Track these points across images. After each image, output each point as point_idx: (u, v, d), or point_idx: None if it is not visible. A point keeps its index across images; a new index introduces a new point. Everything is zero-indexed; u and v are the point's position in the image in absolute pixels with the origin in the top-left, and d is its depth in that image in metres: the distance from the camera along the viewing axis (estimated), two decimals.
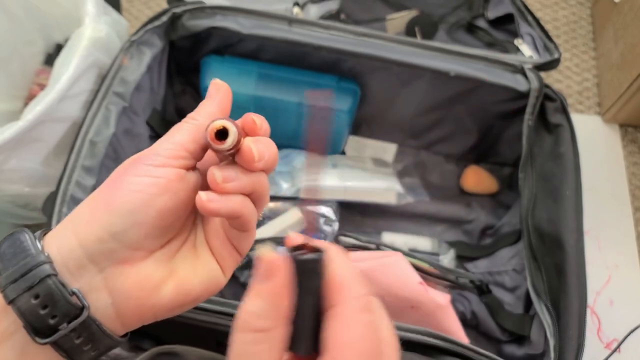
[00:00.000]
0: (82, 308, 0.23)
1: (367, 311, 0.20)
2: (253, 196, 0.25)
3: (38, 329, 0.22)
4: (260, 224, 0.66)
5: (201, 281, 0.26)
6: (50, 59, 0.74)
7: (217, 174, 0.24)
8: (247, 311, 0.20)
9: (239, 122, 0.25)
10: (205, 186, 0.25)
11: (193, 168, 0.26)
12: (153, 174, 0.24)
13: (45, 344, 0.22)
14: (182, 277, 0.25)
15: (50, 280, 0.22)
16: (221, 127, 0.23)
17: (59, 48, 0.75)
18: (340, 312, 0.20)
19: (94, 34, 0.56)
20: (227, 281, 0.27)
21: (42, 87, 0.72)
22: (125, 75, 0.56)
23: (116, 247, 0.23)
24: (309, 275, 0.21)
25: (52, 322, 0.22)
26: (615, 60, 0.79)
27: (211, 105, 0.26)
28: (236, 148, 0.24)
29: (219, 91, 0.27)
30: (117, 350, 0.54)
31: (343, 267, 0.21)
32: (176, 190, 0.24)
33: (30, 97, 0.73)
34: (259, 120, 0.25)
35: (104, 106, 0.54)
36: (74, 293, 0.23)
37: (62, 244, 0.23)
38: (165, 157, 0.24)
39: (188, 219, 0.27)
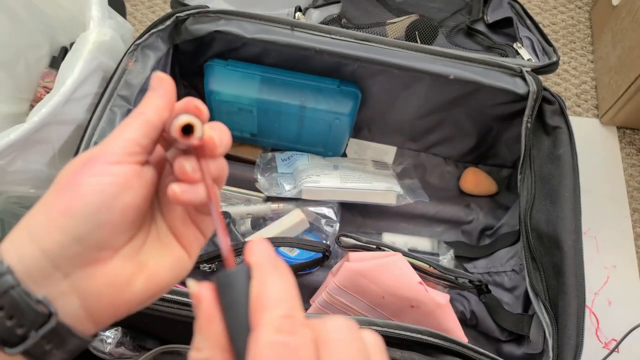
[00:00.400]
0: (50, 315, 0.22)
1: (281, 333, 0.18)
2: (216, 180, 0.26)
3: (6, 340, 0.22)
4: (263, 224, 0.67)
5: (170, 269, 0.26)
6: (55, 62, 0.75)
7: (186, 165, 0.24)
8: (192, 347, 0.20)
9: (181, 106, 0.25)
10: (157, 179, 0.26)
11: (146, 162, 0.26)
12: (111, 172, 0.23)
13: (15, 353, 0.22)
14: (151, 269, 0.25)
15: (14, 292, 0.22)
16: (187, 123, 0.23)
17: (64, 51, 0.76)
18: (255, 337, 0.18)
19: (99, 37, 0.57)
20: (194, 263, 0.28)
21: (47, 90, 0.73)
22: (130, 78, 0.57)
23: (80, 250, 0.23)
24: (231, 292, 0.19)
25: (20, 331, 0.22)
26: (613, 63, 0.80)
27: (157, 98, 0.25)
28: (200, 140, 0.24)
29: (162, 84, 0.26)
30: (121, 350, 0.55)
31: (264, 283, 0.20)
32: (136, 186, 0.24)
33: (35, 100, 0.73)
34: (202, 105, 0.25)
35: (109, 109, 0.55)
36: (40, 301, 0.22)
37: (23, 253, 0.22)
38: (120, 154, 0.24)
39: (149, 211, 0.27)
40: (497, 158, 0.73)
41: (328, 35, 0.59)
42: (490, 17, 0.71)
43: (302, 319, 0.19)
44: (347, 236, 0.57)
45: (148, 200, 0.26)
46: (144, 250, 0.26)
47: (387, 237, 0.69)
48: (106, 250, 0.24)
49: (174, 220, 0.27)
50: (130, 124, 0.25)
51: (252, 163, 0.72)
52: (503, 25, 0.70)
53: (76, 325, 0.24)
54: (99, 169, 0.23)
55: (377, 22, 0.73)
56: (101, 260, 0.24)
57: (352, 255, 0.54)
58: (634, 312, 0.67)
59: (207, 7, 0.60)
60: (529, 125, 0.59)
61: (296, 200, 0.67)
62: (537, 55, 0.64)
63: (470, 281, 0.58)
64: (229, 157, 0.73)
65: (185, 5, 0.62)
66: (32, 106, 0.73)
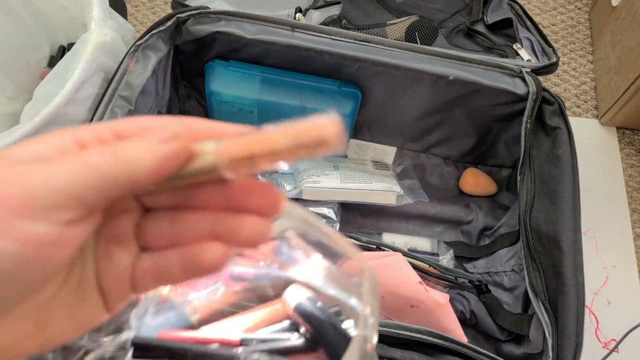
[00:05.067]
0: None
1: None
2: None
3: None
4: None
5: (77, 326, 0.20)
6: (53, 62, 0.75)
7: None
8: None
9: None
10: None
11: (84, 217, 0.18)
12: (18, 237, 0.15)
13: None
14: (53, 328, 0.19)
15: None
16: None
17: (62, 50, 0.76)
18: None
19: (100, 38, 0.57)
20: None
21: None
22: (131, 79, 0.57)
23: None
24: None
25: None
26: (612, 64, 0.80)
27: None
28: None
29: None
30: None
31: None
32: (50, 256, 0.16)
33: None
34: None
35: (110, 109, 0.55)
36: None
37: None
38: (44, 208, 0.16)
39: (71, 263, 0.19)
40: (496, 158, 0.73)
41: (328, 36, 0.59)
42: (490, 18, 0.71)
43: None
44: (347, 236, 0.57)
45: (72, 261, 0.19)
46: (50, 305, 0.19)
47: (387, 237, 0.69)
48: None
49: (109, 274, 0.20)
50: (73, 162, 0.17)
51: None
52: (503, 26, 0.70)
53: None
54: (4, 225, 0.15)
55: (377, 23, 0.73)
56: None
57: None
58: (633, 312, 0.67)
59: (208, 8, 0.60)
60: (528, 125, 0.59)
61: (297, 201, 0.67)
62: (536, 56, 0.64)
63: (470, 281, 0.58)
64: None
65: (186, 6, 0.62)
66: None
